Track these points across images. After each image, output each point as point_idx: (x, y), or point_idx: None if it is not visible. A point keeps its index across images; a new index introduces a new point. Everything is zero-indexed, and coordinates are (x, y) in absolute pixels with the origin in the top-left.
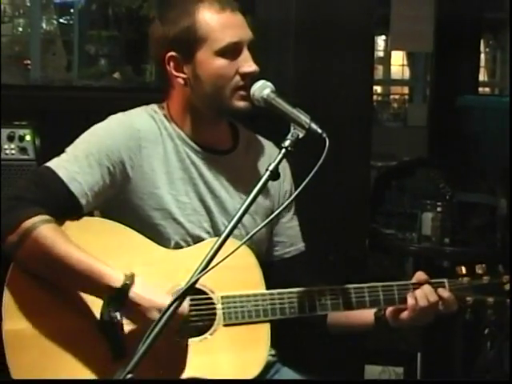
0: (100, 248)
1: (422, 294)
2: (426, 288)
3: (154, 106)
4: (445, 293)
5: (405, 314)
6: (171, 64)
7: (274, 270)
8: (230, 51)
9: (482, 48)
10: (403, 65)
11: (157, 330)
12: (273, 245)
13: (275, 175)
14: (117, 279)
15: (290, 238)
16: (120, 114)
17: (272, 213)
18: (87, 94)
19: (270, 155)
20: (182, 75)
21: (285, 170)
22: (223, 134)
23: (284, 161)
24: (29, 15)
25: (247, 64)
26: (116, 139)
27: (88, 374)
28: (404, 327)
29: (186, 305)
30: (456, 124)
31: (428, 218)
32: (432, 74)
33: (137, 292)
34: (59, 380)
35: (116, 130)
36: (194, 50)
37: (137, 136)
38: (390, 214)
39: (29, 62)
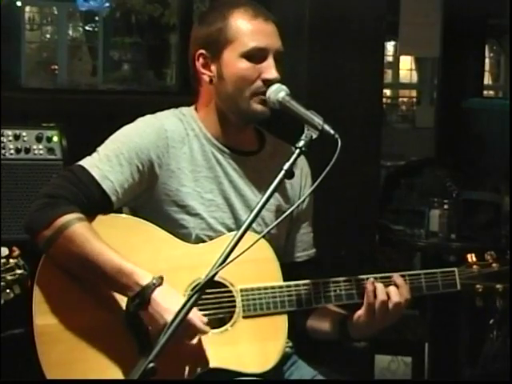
0: (125, 244)
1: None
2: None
3: (183, 109)
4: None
5: (362, 308)
6: (200, 60)
7: (284, 272)
8: (255, 56)
9: (486, 53)
10: (411, 69)
11: (177, 321)
12: (285, 248)
13: (290, 174)
14: (145, 278)
15: (303, 244)
16: (149, 116)
17: (292, 215)
18: (111, 98)
19: (298, 164)
20: (208, 73)
21: (307, 176)
22: (249, 137)
23: (307, 166)
24: (56, 23)
25: (269, 71)
26: (145, 139)
27: (115, 368)
28: (362, 327)
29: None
30: (462, 125)
31: (435, 215)
32: (439, 77)
33: (159, 295)
34: (58, 380)
35: (145, 131)
36: (222, 49)
37: (164, 136)
38: (399, 211)
39: (56, 67)
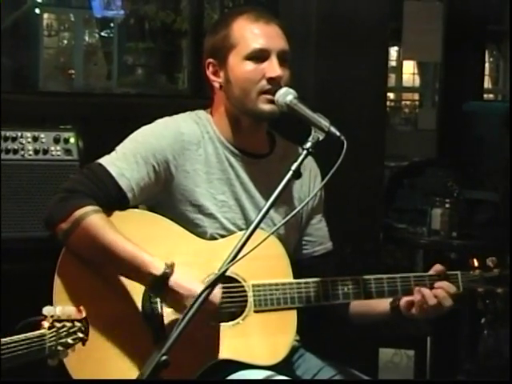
0: (141, 238)
1: (430, 294)
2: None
3: (199, 112)
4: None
5: (414, 309)
6: (210, 69)
7: (303, 267)
8: (258, 57)
9: (486, 58)
10: (414, 73)
11: (189, 315)
12: (302, 244)
13: (297, 174)
14: (158, 267)
15: (319, 238)
16: (167, 118)
17: (301, 215)
18: (125, 101)
19: (306, 166)
20: (217, 79)
21: (316, 177)
22: (261, 140)
23: (315, 168)
24: (73, 29)
25: (272, 69)
26: (162, 140)
27: (132, 357)
28: (416, 318)
29: (218, 294)
30: (462, 127)
31: (437, 214)
32: (440, 81)
33: (175, 280)
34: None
35: (162, 132)
36: (227, 55)
37: (181, 138)
38: (402, 210)
39: (73, 71)
